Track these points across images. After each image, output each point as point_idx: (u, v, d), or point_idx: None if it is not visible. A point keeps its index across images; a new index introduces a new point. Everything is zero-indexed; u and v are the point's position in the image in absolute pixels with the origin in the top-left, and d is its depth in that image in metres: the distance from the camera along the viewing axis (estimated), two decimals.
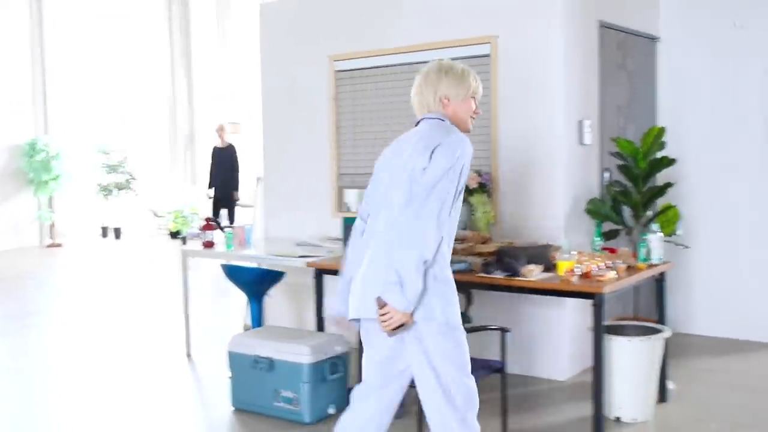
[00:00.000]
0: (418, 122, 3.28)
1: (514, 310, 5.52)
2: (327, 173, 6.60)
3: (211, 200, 12.80)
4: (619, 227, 5.47)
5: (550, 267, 4.52)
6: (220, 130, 12.81)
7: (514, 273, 4.43)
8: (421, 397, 3.17)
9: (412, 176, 3.03)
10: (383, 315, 2.99)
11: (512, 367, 5.21)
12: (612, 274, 4.33)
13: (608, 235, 5.40)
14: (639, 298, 5.61)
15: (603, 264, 4.42)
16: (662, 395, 4.97)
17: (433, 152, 3.02)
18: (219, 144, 12.80)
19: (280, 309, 6.83)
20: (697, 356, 6.06)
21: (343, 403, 4.85)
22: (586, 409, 4.55)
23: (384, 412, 3.27)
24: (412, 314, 3.00)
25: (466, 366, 3.15)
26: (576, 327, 5.44)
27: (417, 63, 5.92)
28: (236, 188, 12.67)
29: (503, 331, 4.10)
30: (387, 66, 6.19)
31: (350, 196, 6.57)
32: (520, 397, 5.12)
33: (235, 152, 12.75)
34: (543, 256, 4.60)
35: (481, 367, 4.05)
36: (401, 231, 2.98)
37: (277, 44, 6.91)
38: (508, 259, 4.50)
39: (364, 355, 3.28)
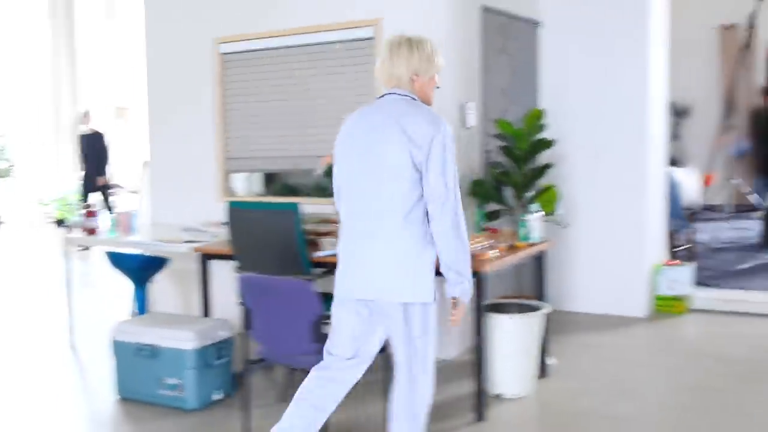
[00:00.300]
0: (383, 95, 3.32)
1: None
2: (214, 158, 6.52)
3: (82, 186, 12.41)
4: (502, 208, 5.58)
5: None
6: (86, 116, 12.41)
7: None
8: (398, 359, 3.36)
9: (412, 167, 3.13)
10: (456, 311, 3.32)
11: None
12: (493, 253, 4.43)
13: (491, 216, 5.52)
14: (521, 277, 5.74)
15: (484, 244, 4.51)
16: (543, 371, 5.12)
17: (431, 145, 3.11)
18: (85, 131, 12.36)
19: (166, 295, 6.73)
20: (577, 332, 6.25)
21: (229, 388, 4.83)
22: (470, 387, 4.65)
23: (347, 383, 3.47)
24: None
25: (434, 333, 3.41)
26: None
27: (302, 46, 5.95)
28: (102, 174, 12.28)
29: None
30: (272, 49, 6.14)
31: (238, 180, 6.51)
32: None
33: (101, 138, 12.32)
34: None
35: None
36: (443, 227, 3.15)
37: (163, 26, 6.78)
38: None
39: (334, 331, 3.44)
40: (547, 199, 5.59)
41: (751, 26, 10.28)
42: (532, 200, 5.39)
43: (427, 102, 3.34)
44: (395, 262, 3.19)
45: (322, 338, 3.67)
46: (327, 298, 4.77)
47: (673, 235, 7.79)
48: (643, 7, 6.47)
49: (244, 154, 6.39)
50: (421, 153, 3.10)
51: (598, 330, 6.30)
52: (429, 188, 3.13)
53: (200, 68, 6.52)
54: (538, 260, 5.05)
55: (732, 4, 11.49)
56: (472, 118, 5.65)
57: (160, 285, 6.62)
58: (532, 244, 4.84)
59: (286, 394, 4.79)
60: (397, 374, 3.39)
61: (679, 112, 10.27)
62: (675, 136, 10.42)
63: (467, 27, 5.68)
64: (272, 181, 6.44)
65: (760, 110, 10.05)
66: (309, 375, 3.49)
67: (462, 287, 3.26)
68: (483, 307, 4.36)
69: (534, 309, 4.90)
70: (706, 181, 9.87)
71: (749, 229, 10.10)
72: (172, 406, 4.68)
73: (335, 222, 5.32)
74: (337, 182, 3.40)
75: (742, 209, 11.16)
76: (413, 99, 3.28)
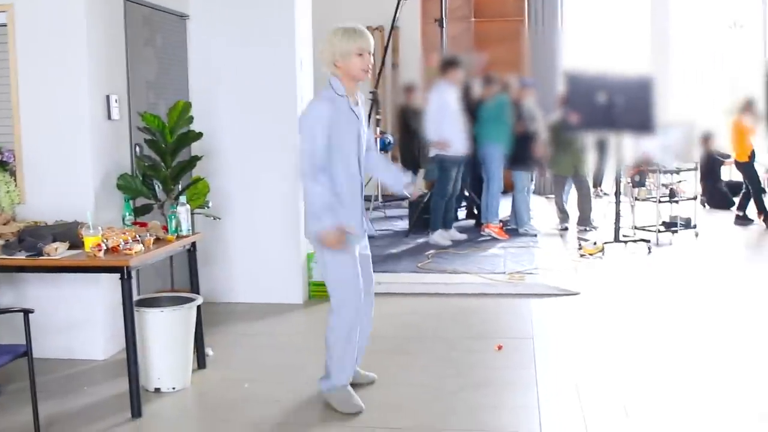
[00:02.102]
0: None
1: (45, 292, 5.27)
2: None
3: None
4: (152, 201, 5.50)
5: (78, 244, 4.43)
6: None
7: (38, 252, 4.28)
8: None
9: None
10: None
11: (46, 352, 5.04)
12: (139, 247, 4.36)
13: (142, 210, 5.42)
14: (175, 270, 5.69)
15: (130, 238, 4.43)
16: (201, 362, 5.14)
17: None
18: None
19: None
20: (236, 322, 6.32)
21: None
22: (126, 385, 4.53)
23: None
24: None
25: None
26: (114, 304, 5.37)
27: None
28: None
29: (26, 312, 3.92)
30: None
31: None
32: (55, 382, 4.94)
33: None
34: (69, 233, 4.50)
35: (3, 353, 3.86)
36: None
37: None
38: (30, 238, 4.33)
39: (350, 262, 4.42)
40: (197, 191, 5.57)
41: (393, 28, 10.95)
42: (180, 193, 5.36)
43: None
44: None
45: None
46: None
47: None
48: (290, 2, 6.65)
49: None
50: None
51: (257, 319, 6.42)
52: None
53: None
54: (191, 253, 5.05)
55: (378, 7, 12.17)
56: (117, 112, 5.49)
57: None
58: (181, 237, 4.83)
59: None
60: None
61: None
62: None
63: (109, 17, 5.50)
64: None
65: (405, 107, 10.82)
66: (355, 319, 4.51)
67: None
68: (131, 302, 4.29)
69: (187, 301, 4.90)
70: None
71: (398, 217, 10.82)
72: None
73: None
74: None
75: (391, 199, 11.91)
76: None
